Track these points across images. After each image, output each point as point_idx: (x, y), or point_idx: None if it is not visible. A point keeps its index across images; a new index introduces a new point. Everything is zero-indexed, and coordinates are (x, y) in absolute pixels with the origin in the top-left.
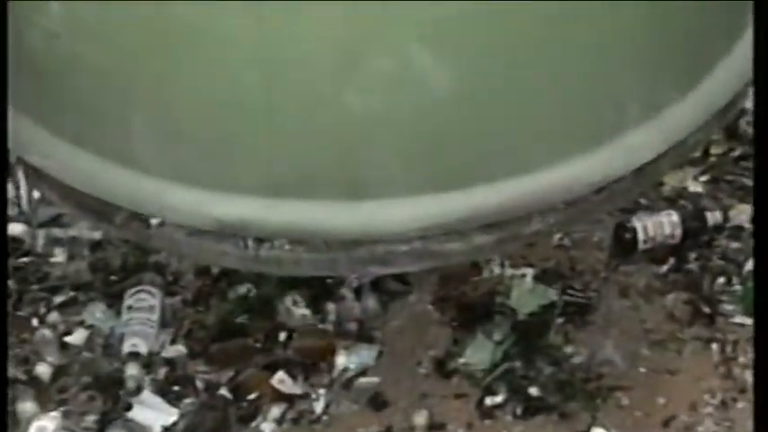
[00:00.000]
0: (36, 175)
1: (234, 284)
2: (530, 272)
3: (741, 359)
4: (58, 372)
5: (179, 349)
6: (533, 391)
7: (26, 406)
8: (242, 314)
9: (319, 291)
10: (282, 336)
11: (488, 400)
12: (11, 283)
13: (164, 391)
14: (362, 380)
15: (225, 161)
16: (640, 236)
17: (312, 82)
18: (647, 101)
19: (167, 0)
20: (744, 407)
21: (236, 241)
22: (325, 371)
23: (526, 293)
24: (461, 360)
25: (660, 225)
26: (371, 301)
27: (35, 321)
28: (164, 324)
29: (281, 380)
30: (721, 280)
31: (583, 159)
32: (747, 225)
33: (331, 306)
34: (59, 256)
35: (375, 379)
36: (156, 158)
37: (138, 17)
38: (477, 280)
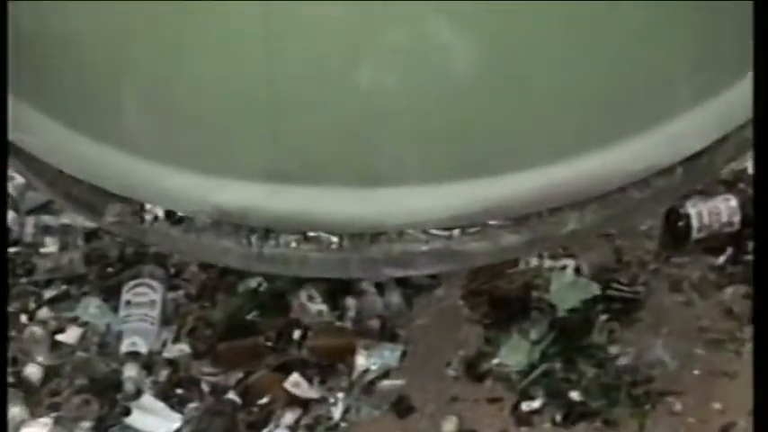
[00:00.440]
0: (22, 161)
1: (243, 278)
2: (571, 264)
3: None
4: (49, 373)
5: (182, 349)
6: (574, 395)
7: (14, 411)
8: (252, 310)
9: (337, 285)
10: (297, 334)
11: (525, 406)
12: None
13: (166, 395)
14: (385, 383)
15: (224, 144)
16: (694, 223)
17: (320, 58)
18: (698, 86)
19: None
20: None
21: (238, 238)
22: (344, 373)
23: (566, 287)
24: (495, 361)
25: (717, 211)
26: (395, 296)
27: (24, 318)
28: (165, 321)
29: (295, 382)
30: None
31: (623, 147)
32: None
33: (350, 301)
34: (50, 245)
35: (399, 382)
36: (152, 142)
37: None
38: (511, 273)
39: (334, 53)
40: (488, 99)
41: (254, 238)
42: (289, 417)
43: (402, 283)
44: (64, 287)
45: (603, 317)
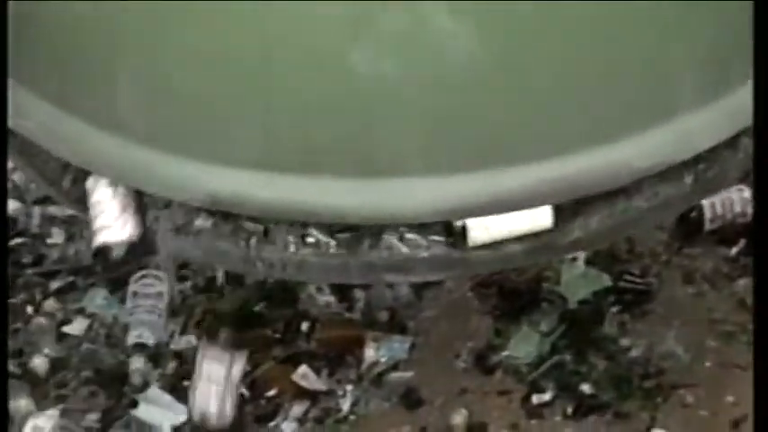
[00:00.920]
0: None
1: None
2: (581, 255)
3: None
4: (56, 365)
5: (190, 340)
6: (585, 387)
7: (20, 403)
8: (260, 301)
9: None
10: (305, 326)
11: (535, 398)
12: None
13: (173, 387)
14: (394, 375)
15: (218, 130)
16: (707, 214)
17: (316, 43)
18: (708, 83)
19: None
20: None
21: (236, 240)
22: (353, 365)
23: (577, 279)
24: (504, 353)
25: (729, 202)
26: (404, 288)
27: (30, 309)
28: (173, 312)
29: (303, 375)
30: None
31: (630, 143)
32: None
33: (359, 293)
34: (57, 236)
35: (408, 374)
36: (146, 127)
37: None
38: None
39: (332, 39)
40: (490, 90)
41: (252, 242)
42: (297, 409)
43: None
44: (70, 278)
45: (615, 308)
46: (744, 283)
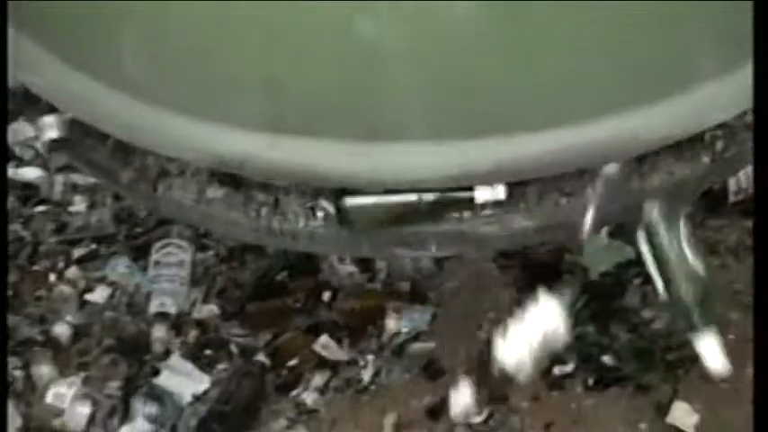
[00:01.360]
0: None
1: None
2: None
3: None
4: (78, 332)
5: (211, 309)
6: (607, 359)
7: (43, 370)
8: (281, 271)
9: None
10: (326, 295)
11: (556, 370)
12: (26, 234)
13: (194, 356)
14: (415, 345)
15: (224, 91)
16: (731, 187)
17: (321, 7)
18: (721, 58)
19: None
20: None
21: (247, 210)
22: (374, 335)
23: (600, 250)
24: None
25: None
26: (426, 259)
27: (53, 277)
28: (194, 281)
29: (324, 344)
30: None
31: (639, 114)
32: None
33: (381, 264)
34: (79, 204)
35: (429, 344)
36: (152, 85)
37: None
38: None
39: (337, 3)
40: (495, 56)
41: (263, 212)
42: (318, 379)
43: None
44: (93, 246)
45: (637, 280)
46: None
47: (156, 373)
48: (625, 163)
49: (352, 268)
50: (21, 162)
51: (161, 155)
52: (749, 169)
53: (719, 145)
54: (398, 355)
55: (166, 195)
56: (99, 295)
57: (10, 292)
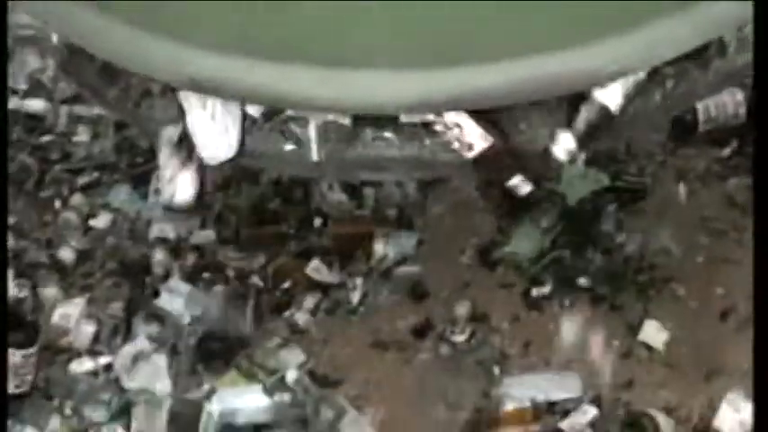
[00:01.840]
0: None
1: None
2: (581, 155)
3: None
4: (82, 256)
5: (209, 235)
6: (582, 281)
7: (49, 291)
8: (275, 199)
9: None
10: (318, 222)
11: (535, 291)
12: (33, 163)
13: (193, 279)
14: (402, 269)
15: (197, 13)
16: (701, 116)
17: None
18: None
19: None
20: None
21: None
22: (363, 259)
23: (577, 178)
24: (506, 249)
25: (723, 105)
26: (412, 186)
27: (58, 203)
28: (192, 208)
29: (315, 268)
30: None
31: (593, 48)
32: None
33: (369, 191)
34: (83, 134)
35: (415, 268)
36: (128, 5)
37: None
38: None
39: None
40: None
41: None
42: (310, 300)
43: None
44: (96, 175)
45: (612, 207)
46: (734, 183)
47: (157, 294)
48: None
49: (341, 196)
50: (27, 94)
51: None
52: (718, 99)
53: (670, 83)
54: (386, 278)
55: (148, 114)
56: (102, 221)
57: (17, 218)
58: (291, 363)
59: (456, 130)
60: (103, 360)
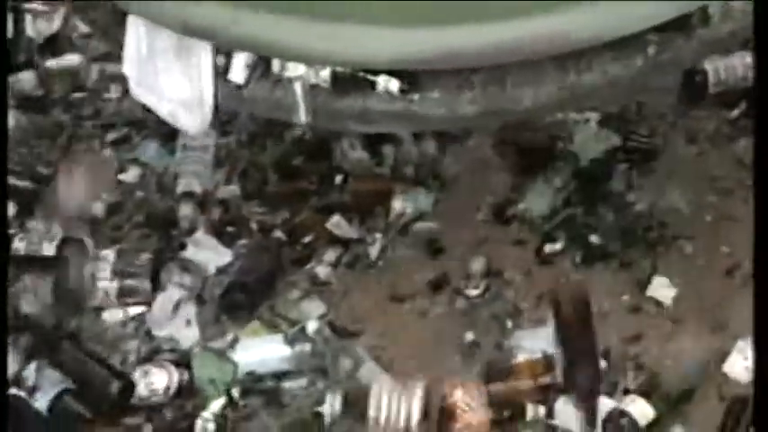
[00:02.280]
0: None
1: (290, 125)
2: (594, 116)
3: None
4: (112, 209)
5: (233, 190)
6: (594, 238)
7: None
8: (297, 156)
9: (377, 134)
10: (338, 179)
11: (547, 248)
12: (66, 118)
13: (218, 232)
14: (419, 225)
15: None
16: (711, 79)
17: None
18: None
19: None
20: None
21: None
22: (382, 215)
23: (589, 138)
24: (521, 206)
25: (732, 68)
26: (430, 145)
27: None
28: (218, 164)
29: (336, 223)
30: None
31: (574, 12)
32: None
33: (388, 149)
34: (113, 92)
35: (432, 224)
36: None
37: None
38: (539, 125)
39: None
40: None
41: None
42: (330, 254)
43: (436, 132)
44: (125, 130)
45: (623, 166)
46: (743, 144)
47: (183, 247)
48: (563, 57)
49: (362, 154)
50: (64, 50)
51: None
52: (728, 62)
53: (652, 50)
54: (404, 233)
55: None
56: (131, 175)
57: (51, 172)
58: (312, 314)
59: None
60: (132, 310)
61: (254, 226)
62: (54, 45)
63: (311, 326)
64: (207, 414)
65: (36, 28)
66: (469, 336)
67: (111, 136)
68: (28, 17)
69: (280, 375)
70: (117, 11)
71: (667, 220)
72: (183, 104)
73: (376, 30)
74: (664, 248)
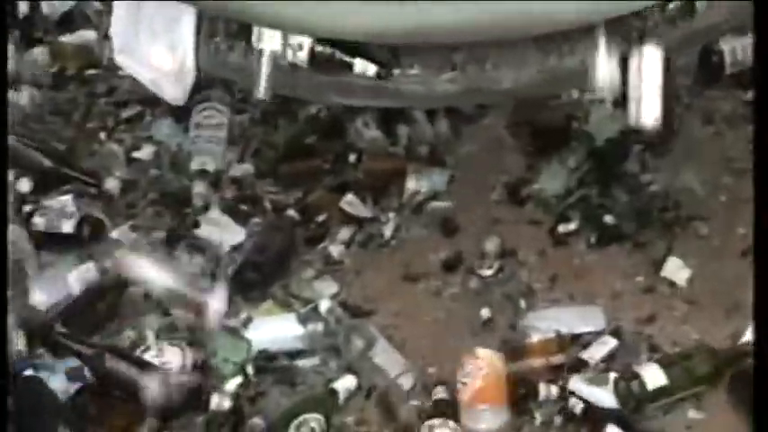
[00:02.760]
0: None
1: (304, 104)
2: (609, 97)
3: None
4: (126, 187)
5: (247, 168)
6: (608, 219)
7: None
8: (311, 134)
9: (391, 112)
10: (352, 157)
11: (561, 228)
12: (80, 95)
13: (231, 210)
14: (433, 204)
15: None
16: (727, 59)
17: None
18: None
19: None
20: None
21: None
22: (395, 194)
23: (605, 119)
24: (535, 186)
25: (749, 48)
26: (444, 125)
27: (103, 135)
28: (232, 142)
29: (350, 202)
30: None
31: None
32: None
33: (403, 128)
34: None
35: (446, 204)
36: None
37: None
38: (554, 104)
39: None
40: None
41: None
42: (344, 233)
43: (451, 112)
44: (139, 108)
45: (638, 147)
46: None
47: (197, 224)
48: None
49: (376, 132)
50: (78, 26)
51: None
52: (745, 43)
53: (636, 33)
54: (417, 212)
55: None
56: (145, 153)
57: (65, 147)
58: (325, 293)
59: None
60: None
61: (267, 205)
62: (69, 21)
63: (324, 305)
64: (221, 392)
65: (51, 4)
66: (483, 315)
67: (125, 113)
68: None
69: (293, 354)
70: None
71: (682, 201)
72: (166, 75)
73: (356, 4)
74: (678, 229)
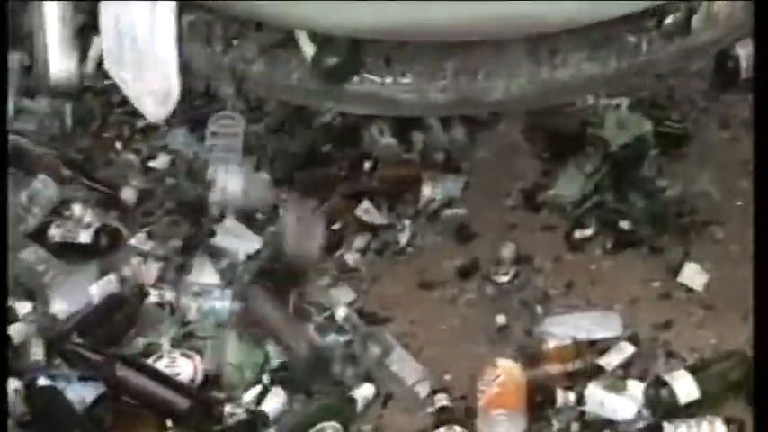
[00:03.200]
0: None
1: (318, 112)
2: (625, 101)
3: None
4: (143, 196)
5: (263, 177)
6: (624, 224)
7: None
8: (326, 142)
9: (405, 119)
10: (367, 165)
11: (577, 234)
12: (96, 105)
13: (247, 218)
14: (448, 211)
15: None
16: (743, 64)
17: None
18: None
19: None
20: None
21: (202, 45)
22: (411, 201)
23: (620, 124)
24: (551, 192)
25: None
26: (459, 131)
27: (119, 145)
28: (247, 151)
29: (365, 209)
30: None
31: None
32: None
33: (417, 135)
34: None
35: (461, 210)
36: None
37: None
38: (569, 110)
39: None
40: None
41: (218, 46)
42: (359, 241)
43: (465, 118)
44: None
45: (654, 152)
46: None
47: (213, 233)
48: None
49: (390, 140)
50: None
51: None
52: None
53: (628, 52)
54: (433, 219)
55: None
56: (161, 162)
57: (82, 158)
58: (341, 301)
59: None
60: (168, 294)
61: (283, 213)
62: (84, 30)
63: (340, 313)
64: (237, 402)
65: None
66: (499, 322)
67: (140, 123)
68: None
69: None
70: None
71: (699, 206)
72: (151, 94)
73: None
74: (695, 234)
